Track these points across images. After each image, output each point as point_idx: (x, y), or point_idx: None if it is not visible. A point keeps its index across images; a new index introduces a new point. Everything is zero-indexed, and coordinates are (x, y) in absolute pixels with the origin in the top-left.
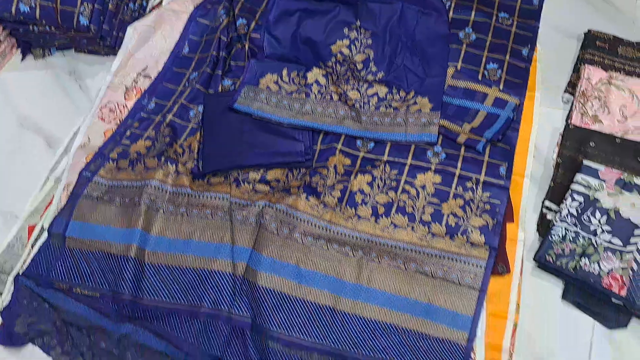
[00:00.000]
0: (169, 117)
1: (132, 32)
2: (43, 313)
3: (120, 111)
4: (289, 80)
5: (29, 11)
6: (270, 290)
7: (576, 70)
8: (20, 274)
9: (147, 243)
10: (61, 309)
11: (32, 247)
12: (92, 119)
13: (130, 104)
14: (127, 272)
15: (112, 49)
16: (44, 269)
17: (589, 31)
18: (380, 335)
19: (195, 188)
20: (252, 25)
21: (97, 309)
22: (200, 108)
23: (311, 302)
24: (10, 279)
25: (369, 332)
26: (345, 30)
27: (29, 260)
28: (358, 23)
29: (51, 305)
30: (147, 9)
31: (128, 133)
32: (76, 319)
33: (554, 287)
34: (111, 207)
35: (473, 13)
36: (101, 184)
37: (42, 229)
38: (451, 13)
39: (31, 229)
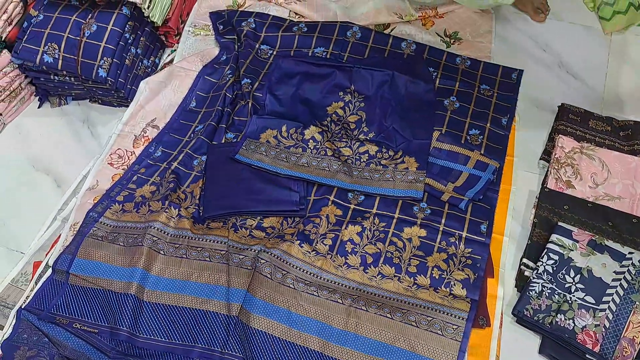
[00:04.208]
0: (174, 164)
1: (145, 86)
2: (42, 347)
3: (129, 157)
4: (288, 136)
5: (52, 62)
6: (262, 332)
7: (551, 140)
8: (23, 307)
9: (147, 282)
10: (60, 344)
11: (36, 283)
12: (102, 164)
13: (138, 151)
14: (126, 309)
15: (125, 100)
16: (46, 303)
17: (563, 104)
18: None
19: (196, 231)
20: (256, 84)
21: (94, 345)
22: (204, 158)
23: (300, 346)
24: (13, 312)
25: None
26: (340, 93)
27: (32, 295)
28: (352, 87)
29: (50, 340)
30: (160, 66)
31: (135, 178)
32: (74, 354)
33: (532, 341)
34: (115, 246)
35: (457, 84)
36: (107, 224)
37: (47, 265)
38: (437, 82)
39: (36, 266)
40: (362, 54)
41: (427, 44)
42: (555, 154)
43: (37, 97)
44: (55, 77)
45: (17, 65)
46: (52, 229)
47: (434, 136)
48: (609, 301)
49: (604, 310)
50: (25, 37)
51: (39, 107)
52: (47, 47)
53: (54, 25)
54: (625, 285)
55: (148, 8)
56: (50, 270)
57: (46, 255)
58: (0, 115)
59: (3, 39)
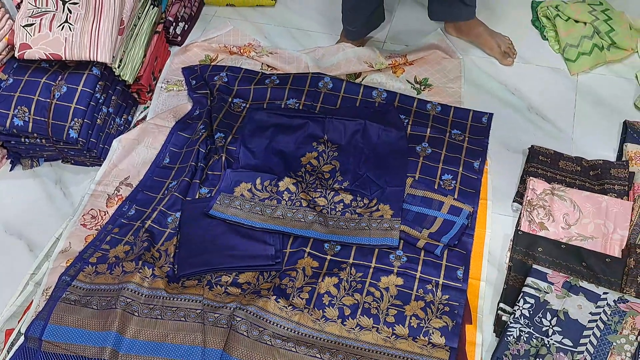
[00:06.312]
0: (148, 223)
1: (117, 144)
2: None
3: (102, 217)
4: (262, 188)
5: (23, 125)
6: None
7: (522, 182)
8: None
9: (121, 345)
10: None
11: (8, 352)
12: (75, 225)
13: (112, 210)
14: None
15: (98, 159)
16: None
17: (533, 146)
18: None
19: (170, 291)
20: (229, 138)
21: None
22: (178, 214)
23: None
24: None
25: None
26: (314, 143)
27: None
28: (325, 137)
29: None
30: (132, 123)
31: (108, 238)
32: None
33: None
34: (88, 310)
35: (428, 130)
36: (80, 287)
37: (19, 333)
38: (409, 129)
39: (8, 334)
40: (334, 104)
41: (398, 92)
42: (527, 196)
43: (9, 160)
44: (27, 140)
45: None
46: (25, 294)
47: (407, 183)
48: (587, 343)
49: (582, 352)
50: None
51: (10, 170)
52: (17, 110)
53: (24, 88)
54: (601, 326)
55: (118, 67)
56: (22, 338)
57: (18, 322)
58: None
59: None
